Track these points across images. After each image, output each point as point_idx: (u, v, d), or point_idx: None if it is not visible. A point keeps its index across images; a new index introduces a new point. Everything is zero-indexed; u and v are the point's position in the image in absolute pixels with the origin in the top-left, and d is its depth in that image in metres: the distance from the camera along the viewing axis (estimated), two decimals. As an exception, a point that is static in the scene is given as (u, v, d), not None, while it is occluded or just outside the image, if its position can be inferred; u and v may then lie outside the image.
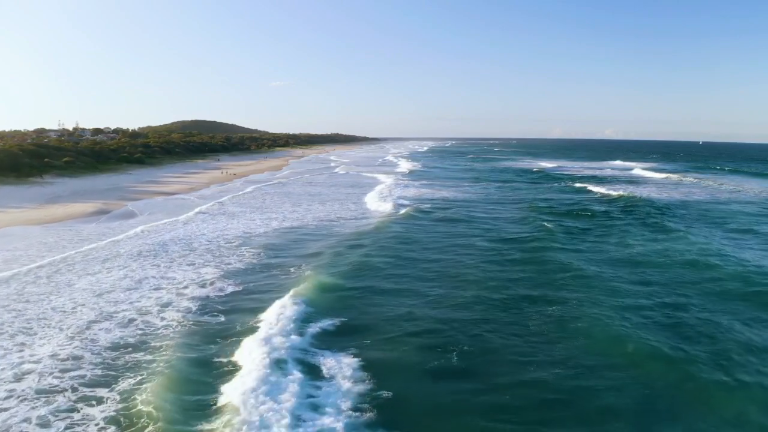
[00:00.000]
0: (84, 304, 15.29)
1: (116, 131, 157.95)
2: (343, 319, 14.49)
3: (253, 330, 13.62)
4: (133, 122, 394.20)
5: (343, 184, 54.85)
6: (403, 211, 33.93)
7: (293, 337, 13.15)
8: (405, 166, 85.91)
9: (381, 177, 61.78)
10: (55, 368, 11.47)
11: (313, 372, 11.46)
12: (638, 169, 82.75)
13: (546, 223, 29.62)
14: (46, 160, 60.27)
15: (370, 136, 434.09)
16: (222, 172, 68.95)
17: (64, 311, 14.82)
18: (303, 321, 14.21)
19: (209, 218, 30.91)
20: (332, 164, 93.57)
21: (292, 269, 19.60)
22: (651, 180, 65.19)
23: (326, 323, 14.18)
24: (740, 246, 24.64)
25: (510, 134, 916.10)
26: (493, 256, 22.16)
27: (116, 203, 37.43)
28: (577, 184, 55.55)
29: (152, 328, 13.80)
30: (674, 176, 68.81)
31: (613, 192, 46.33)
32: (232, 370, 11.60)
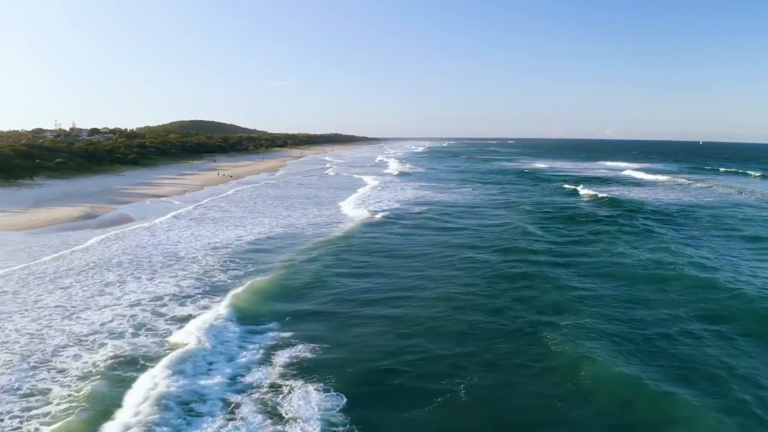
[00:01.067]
0: (51, 326, 13.98)
1: (113, 131, 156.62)
2: (300, 347, 13.06)
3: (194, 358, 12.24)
4: (132, 122, 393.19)
5: (331, 186, 53.52)
6: (379, 216, 32.15)
7: (254, 370, 11.82)
8: (396, 167, 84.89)
9: (369, 179, 60.55)
10: (15, 406, 10.19)
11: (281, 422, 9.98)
12: (635, 171, 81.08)
13: (531, 230, 28.03)
14: (37, 161, 59.06)
15: (370, 136, 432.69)
16: (218, 174, 67.73)
17: (30, 334, 13.54)
18: (265, 350, 12.81)
19: (194, 224, 29.50)
20: (327, 165, 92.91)
21: (252, 283, 17.84)
22: (645, 182, 63.94)
23: (276, 353, 12.64)
24: (741, 259, 22.70)
25: (510, 134, 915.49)
26: (470, 270, 20.42)
27: (104, 207, 36.19)
28: (568, 186, 54.37)
29: (122, 351, 12.54)
30: (671, 179, 67.39)
31: (605, 195, 44.53)
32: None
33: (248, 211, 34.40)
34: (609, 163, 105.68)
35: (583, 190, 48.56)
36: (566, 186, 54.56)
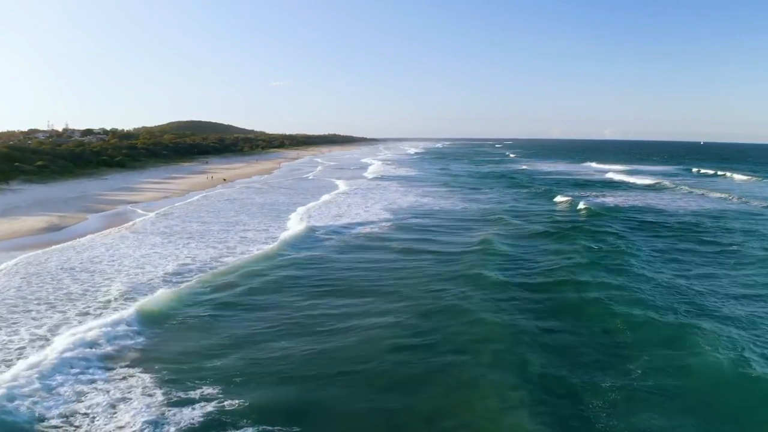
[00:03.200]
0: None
1: (106, 132, 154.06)
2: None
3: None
4: (132, 123, 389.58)
5: (299, 192, 50.79)
6: (320, 234, 28.27)
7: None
8: (378, 170, 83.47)
9: (341, 184, 58.17)
10: None
11: None
12: (618, 174, 78.06)
13: (501, 248, 24.59)
14: (16, 164, 56.58)
15: (369, 136, 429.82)
16: (207, 177, 65.24)
17: None
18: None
19: (127, 242, 26.11)
20: (318, 167, 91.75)
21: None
22: (625, 186, 61.07)
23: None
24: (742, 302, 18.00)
25: (510, 134, 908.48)
26: (398, 312, 16.34)
27: (74, 216, 33.72)
28: (546, 189, 52.40)
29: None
30: (656, 182, 64.63)
31: (584, 205, 40.45)
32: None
33: (221, 223, 31.91)
34: (594, 165, 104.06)
35: (561, 198, 45.49)
36: (545, 189, 52.65)
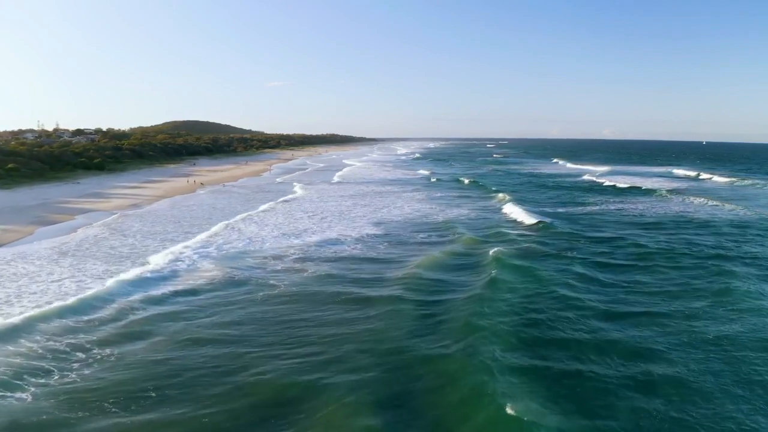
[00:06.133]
0: None
1: (97, 131, 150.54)
2: None
3: None
4: (131, 123, 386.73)
5: (252, 198, 47.36)
6: (204, 262, 23.22)
7: None
8: (352, 172, 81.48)
9: (298, 188, 55.44)
10: None
11: None
12: (604, 176, 73.95)
13: (415, 296, 18.93)
14: (-18, 167, 53.16)
15: (368, 136, 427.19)
16: (188, 181, 61.57)
17: None
18: None
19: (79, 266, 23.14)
20: (308, 168, 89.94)
21: None
22: (610, 190, 57.16)
23: None
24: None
25: (509, 134, 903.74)
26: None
27: (20, 230, 30.19)
28: (502, 197, 48.54)
29: None
30: (633, 183, 61.27)
31: (546, 214, 36.21)
32: None
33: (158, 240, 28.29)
34: (580, 166, 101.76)
35: (516, 207, 39.84)
36: (512, 198, 45.87)
